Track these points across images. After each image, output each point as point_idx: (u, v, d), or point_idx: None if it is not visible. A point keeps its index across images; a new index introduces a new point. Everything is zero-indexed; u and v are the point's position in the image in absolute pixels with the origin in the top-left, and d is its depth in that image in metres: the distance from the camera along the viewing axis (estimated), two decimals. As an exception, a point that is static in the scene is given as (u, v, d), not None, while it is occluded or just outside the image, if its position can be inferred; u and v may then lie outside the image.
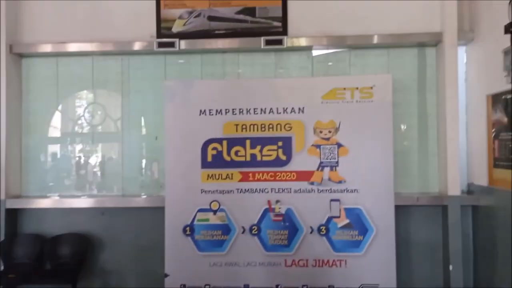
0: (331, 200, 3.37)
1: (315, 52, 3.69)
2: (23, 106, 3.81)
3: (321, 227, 3.36)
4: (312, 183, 3.40)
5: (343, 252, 3.35)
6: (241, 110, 3.50)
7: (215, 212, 3.45)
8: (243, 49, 3.69)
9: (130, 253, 3.68)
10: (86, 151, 3.84)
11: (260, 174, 3.45)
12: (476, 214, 3.43)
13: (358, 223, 3.34)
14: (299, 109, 3.46)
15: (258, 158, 3.47)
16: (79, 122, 3.86)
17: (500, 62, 2.88)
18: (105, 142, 3.89)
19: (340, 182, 3.37)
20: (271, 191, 3.43)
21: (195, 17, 3.67)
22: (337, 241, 3.35)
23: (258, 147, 3.48)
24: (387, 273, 3.31)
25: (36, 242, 3.64)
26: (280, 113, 3.48)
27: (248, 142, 3.49)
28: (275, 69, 3.72)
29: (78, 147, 3.84)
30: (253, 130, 3.49)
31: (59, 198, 3.73)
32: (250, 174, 3.46)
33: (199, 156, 3.48)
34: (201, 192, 3.46)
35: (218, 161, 3.48)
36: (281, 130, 3.47)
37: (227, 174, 3.47)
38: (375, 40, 3.54)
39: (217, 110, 3.50)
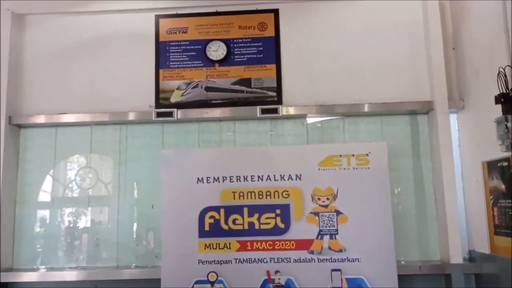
0: (332, 270, 3.29)
1: (309, 120, 3.77)
2: (19, 177, 3.78)
3: (323, 299, 3.26)
4: (312, 252, 3.34)
5: (347, 325, 3.23)
6: (238, 178, 3.51)
7: (212, 284, 3.34)
8: (239, 118, 3.76)
9: (124, 330, 3.51)
10: (80, 220, 3.77)
11: (259, 243, 3.39)
12: (479, 282, 3.36)
13: (361, 294, 3.25)
14: (296, 176, 3.47)
15: (256, 226, 3.43)
16: (74, 191, 3.82)
17: (492, 130, 2.94)
18: (101, 211, 3.82)
19: (340, 250, 3.32)
20: (270, 260, 3.36)
21: (192, 87, 3.78)
22: (340, 313, 3.25)
23: (256, 215, 3.45)
24: None
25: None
26: (277, 180, 3.49)
27: (246, 210, 3.46)
28: (270, 136, 3.77)
29: (72, 216, 3.77)
30: (251, 198, 3.48)
31: (50, 271, 3.60)
32: (249, 243, 3.40)
33: (196, 225, 3.44)
34: (198, 263, 3.38)
35: (215, 230, 3.43)
36: (278, 197, 3.46)
37: (225, 244, 3.41)
38: (366, 108, 3.64)
39: (214, 178, 3.51)
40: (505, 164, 2.93)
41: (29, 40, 3.93)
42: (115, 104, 3.77)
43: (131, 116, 3.72)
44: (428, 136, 3.64)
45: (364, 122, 3.72)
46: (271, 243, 3.38)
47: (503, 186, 2.97)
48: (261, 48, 3.79)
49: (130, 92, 3.79)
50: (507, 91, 2.77)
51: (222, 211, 3.46)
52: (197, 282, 3.35)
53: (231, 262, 3.37)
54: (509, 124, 2.74)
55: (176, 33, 3.84)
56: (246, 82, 3.77)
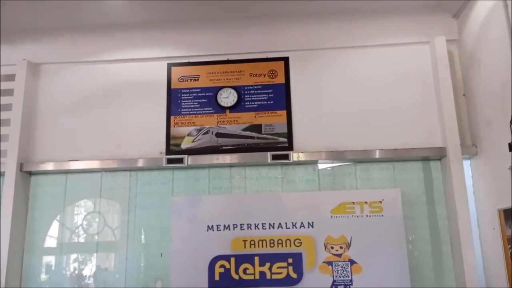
0: (348, 324, 3.18)
1: (321, 166, 3.74)
2: (28, 224, 3.75)
3: None
4: (325, 304, 3.23)
5: None
6: (249, 225, 3.45)
7: (223, 337, 3.23)
8: (250, 164, 3.74)
9: None
10: (88, 268, 3.69)
11: (271, 295, 3.30)
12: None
13: None
14: (309, 223, 3.42)
15: (268, 276, 3.35)
16: (83, 239, 3.77)
17: (507, 177, 2.90)
18: (109, 259, 3.75)
19: (355, 303, 3.21)
20: (283, 313, 3.26)
21: (203, 134, 3.79)
22: None
23: (268, 265, 3.37)
24: None
25: None
26: (289, 228, 3.43)
27: (257, 259, 3.39)
28: (282, 183, 3.73)
29: (81, 265, 3.70)
30: (262, 246, 3.41)
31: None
32: (260, 295, 3.30)
33: (206, 274, 3.37)
34: (208, 315, 3.28)
35: (226, 280, 3.36)
36: (290, 245, 3.39)
37: (236, 295, 3.31)
38: (377, 154, 3.61)
39: (224, 226, 3.46)
40: (524, 213, 2.86)
41: (43, 89, 4.01)
42: (126, 150, 3.79)
43: (142, 163, 3.72)
44: (442, 182, 3.59)
45: (376, 168, 3.68)
46: (283, 294, 3.28)
47: (522, 236, 2.89)
48: (272, 95, 3.82)
49: (141, 139, 3.81)
50: (520, 139, 2.75)
51: (232, 260, 3.39)
52: (207, 335, 3.24)
53: (242, 315, 3.27)
54: (524, 172, 2.70)
55: (187, 81, 3.90)
56: (256, 128, 3.78)
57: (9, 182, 3.67)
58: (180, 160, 3.70)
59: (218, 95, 3.84)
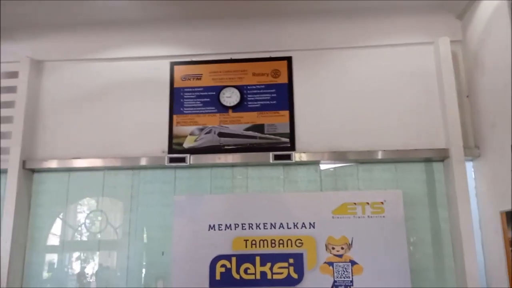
0: (348, 325, 3.19)
1: (323, 166, 3.73)
2: (30, 221, 3.76)
3: None
4: (326, 305, 3.24)
5: None
6: (250, 225, 3.46)
7: (223, 337, 3.24)
8: (252, 163, 3.74)
9: None
10: (90, 267, 3.71)
11: (271, 295, 3.30)
12: None
13: None
14: (310, 224, 3.42)
15: (269, 276, 3.35)
16: (85, 237, 3.78)
17: (509, 179, 2.89)
18: (111, 257, 3.76)
19: (356, 303, 3.21)
20: (283, 313, 3.26)
21: (206, 133, 3.79)
22: None
23: (269, 264, 3.37)
24: None
25: None
26: (290, 228, 3.43)
27: (258, 259, 3.39)
28: (283, 183, 3.73)
29: (82, 263, 3.72)
30: (263, 246, 3.41)
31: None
32: (261, 294, 3.31)
33: (207, 274, 3.37)
34: (209, 314, 3.29)
35: (227, 280, 3.36)
36: (292, 246, 3.39)
37: (237, 295, 3.32)
38: (380, 155, 3.60)
39: (226, 225, 3.47)
40: (526, 216, 2.85)
41: (45, 86, 4.01)
42: (128, 149, 3.79)
43: (144, 161, 3.72)
44: (444, 184, 3.58)
45: (378, 169, 3.67)
46: (284, 294, 3.29)
47: (524, 240, 2.88)
48: (275, 95, 3.81)
49: (144, 138, 3.81)
50: (524, 141, 2.74)
51: (233, 259, 3.39)
52: (208, 334, 3.25)
53: (242, 315, 3.28)
54: (527, 175, 2.69)
55: (190, 80, 3.89)
56: (259, 128, 3.77)
57: (11, 179, 3.68)
58: (183, 159, 3.70)
59: (221, 95, 3.83)
